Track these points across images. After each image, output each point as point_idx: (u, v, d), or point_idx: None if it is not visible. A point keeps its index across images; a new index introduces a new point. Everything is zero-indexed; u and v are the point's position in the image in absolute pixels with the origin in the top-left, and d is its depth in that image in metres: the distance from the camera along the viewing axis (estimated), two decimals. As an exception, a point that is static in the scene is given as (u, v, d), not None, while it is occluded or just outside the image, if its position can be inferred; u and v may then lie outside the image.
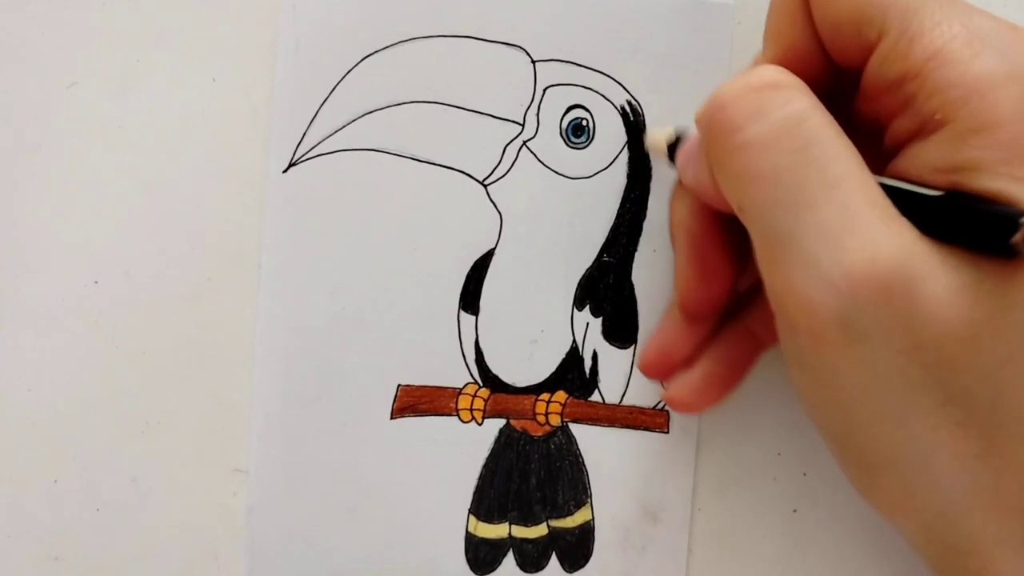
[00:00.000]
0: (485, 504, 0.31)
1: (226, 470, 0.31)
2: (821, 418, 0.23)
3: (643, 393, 0.31)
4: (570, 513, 0.32)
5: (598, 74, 0.31)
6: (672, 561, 0.32)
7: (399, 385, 0.31)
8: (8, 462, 0.31)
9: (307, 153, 0.31)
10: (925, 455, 0.21)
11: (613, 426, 0.31)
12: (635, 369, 0.31)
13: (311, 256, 0.31)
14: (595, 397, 0.31)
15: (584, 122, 0.31)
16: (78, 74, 0.31)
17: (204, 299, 0.31)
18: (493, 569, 0.32)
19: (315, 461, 0.31)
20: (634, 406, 0.31)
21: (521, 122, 0.31)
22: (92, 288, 0.31)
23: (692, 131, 0.26)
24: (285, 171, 0.31)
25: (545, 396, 0.31)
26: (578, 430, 0.32)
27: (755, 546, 0.32)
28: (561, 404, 0.31)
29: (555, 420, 0.31)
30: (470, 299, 0.31)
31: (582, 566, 0.32)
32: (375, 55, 0.30)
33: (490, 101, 0.31)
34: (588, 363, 0.31)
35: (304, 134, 0.31)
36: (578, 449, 0.32)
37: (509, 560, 0.32)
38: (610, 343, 0.31)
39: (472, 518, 0.31)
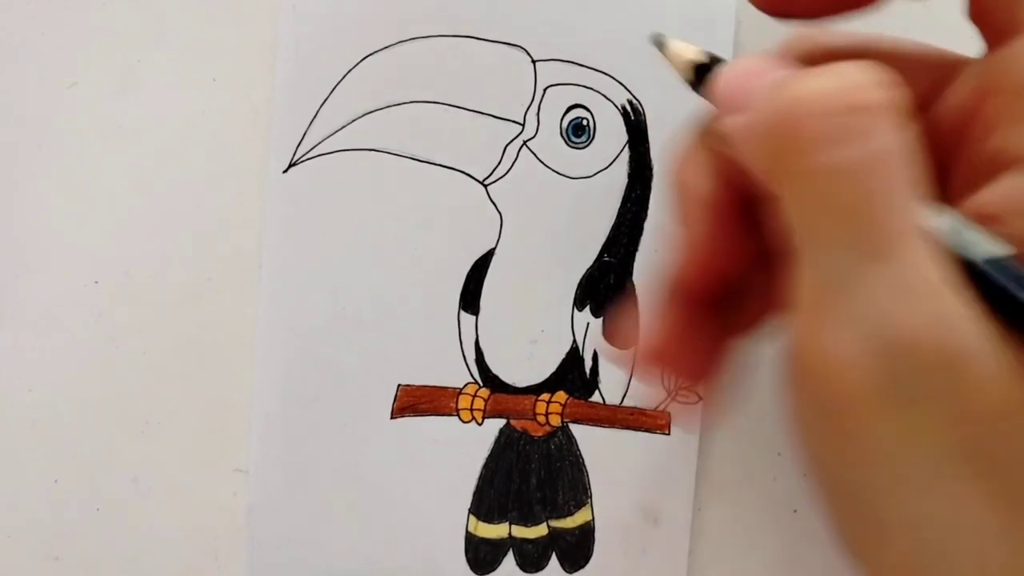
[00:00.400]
0: (485, 504, 0.31)
1: (226, 470, 0.31)
2: (829, 477, 0.22)
3: (643, 394, 0.31)
4: (570, 513, 0.32)
5: (598, 74, 0.31)
6: (672, 561, 0.32)
7: (399, 385, 0.31)
8: (8, 462, 0.31)
9: (307, 153, 0.31)
10: (945, 525, 0.20)
11: (613, 427, 0.31)
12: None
13: (311, 256, 0.31)
14: (595, 397, 0.31)
15: (584, 122, 0.31)
16: (78, 74, 0.31)
17: (204, 299, 0.31)
18: (493, 569, 0.31)
19: (315, 461, 0.31)
20: (634, 407, 0.31)
21: (521, 122, 0.31)
22: (92, 288, 0.31)
23: (727, 61, 0.24)
24: (285, 171, 0.31)
25: (545, 396, 0.31)
26: (578, 430, 0.31)
27: (755, 546, 0.32)
28: (561, 404, 0.31)
29: (555, 420, 0.31)
30: (470, 299, 0.31)
31: (582, 566, 0.32)
32: (375, 55, 0.30)
33: (490, 101, 0.31)
34: (588, 363, 0.31)
35: (304, 134, 0.31)
36: (578, 449, 0.31)
37: (509, 560, 0.32)
38: (611, 343, 0.31)
39: (472, 518, 0.31)
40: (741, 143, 0.21)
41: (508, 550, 0.32)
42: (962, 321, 0.19)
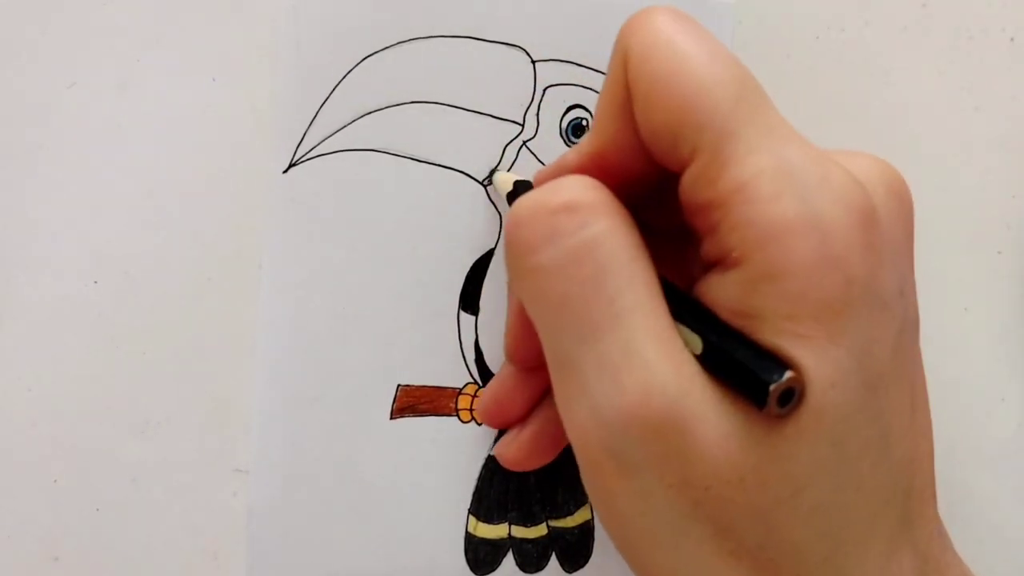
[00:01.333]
0: (485, 504, 0.31)
1: (226, 470, 0.31)
2: (610, 535, 0.23)
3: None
4: (570, 513, 0.32)
5: (598, 74, 0.31)
6: (672, 561, 0.32)
7: (399, 385, 0.31)
8: (8, 462, 0.31)
9: (307, 153, 0.31)
10: None
11: (613, 426, 0.31)
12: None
13: (311, 256, 0.31)
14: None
15: (584, 122, 0.31)
16: (78, 74, 0.31)
17: (204, 299, 0.31)
18: (493, 569, 0.32)
19: (315, 461, 0.31)
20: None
21: (521, 122, 0.31)
22: (92, 288, 0.31)
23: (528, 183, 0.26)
24: (285, 171, 0.31)
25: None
26: (578, 430, 0.31)
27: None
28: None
29: (555, 420, 0.31)
30: (470, 299, 0.31)
31: (582, 566, 0.32)
32: (375, 55, 0.30)
33: (490, 101, 0.31)
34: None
35: (304, 134, 0.31)
36: (578, 449, 0.31)
37: (509, 560, 0.32)
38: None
39: (472, 518, 0.31)
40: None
41: (508, 550, 0.32)
42: (678, 392, 0.20)
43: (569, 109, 0.31)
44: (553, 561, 0.32)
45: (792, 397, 0.19)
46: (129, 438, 0.31)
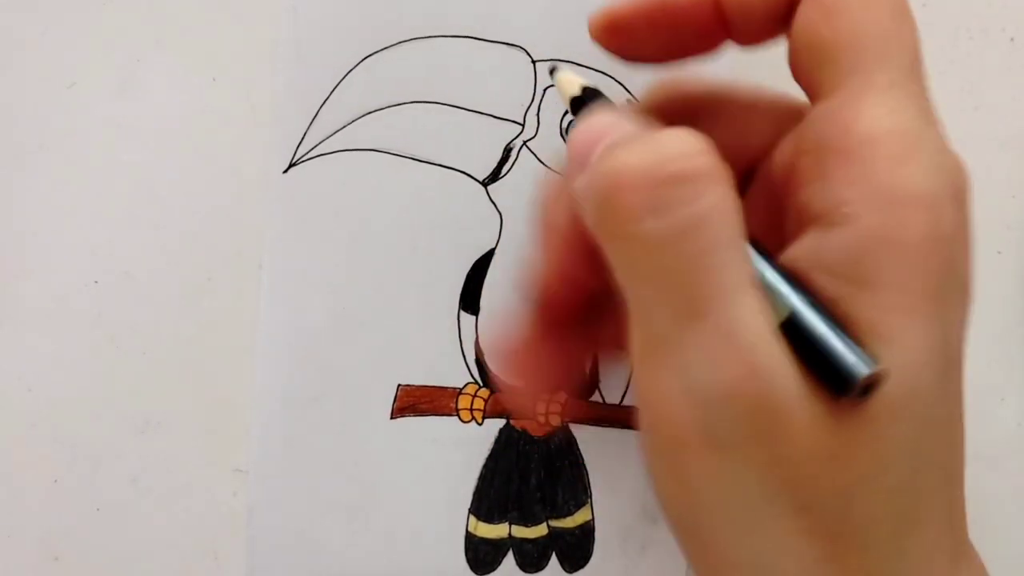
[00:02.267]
0: (485, 504, 0.31)
1: (226, 470, 0.31)
2: (673, 514, 0.23)
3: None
4: (570, 513, 0.32)
5: (598, 74, 0.31)
6: (672, 561, 0.32)
7: (399, 385, 0.31)
8: (8, 462, 0.31)
9: (308, 153, 0.31)
10: (771, 557, 0.21)
11: (613, 426, 0.31)
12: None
13: (311, 256, 0.31)
14: (595, 397, 0.31)
15: (584, 122, 0.31)
16: (78, 74, 0.31)
17: (204, 299, 0.31)
18: (493, 569, 0.31)
19: (315, 461, 0.31)
20: (635, 406, 0.31)
21: (521, 122, 0.31)
22: (92, 288, 0.31)
23: (601, 98, 0.25)
24: (286, 171, 0.31)
25: (545, 396, 0.31)
26: (578, 430, 0.31)
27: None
28: (561, 404, 0.31)
29: (555, 420, 0.31)
30: (470, 299, 0.31)
31: (582, 566, 0.32)
32: (375, 55, 0.30)
33: (490, 101, 0.31)
34: (588, 363, 0.31)
35: (304, 134, 0.31)
36: (578, 449, 0.31)
37: (509, 560, 0.32)
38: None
39: (472, 518, 0.31)
40: (579, 203, 0.22)
41: (508, 550, 0.32)
42: (775, 373, 0.20)
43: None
44: (553, 561, 0.32)
45: (872, 388, 0.19)
46: (129, 438, 0.31)
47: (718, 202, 0.20)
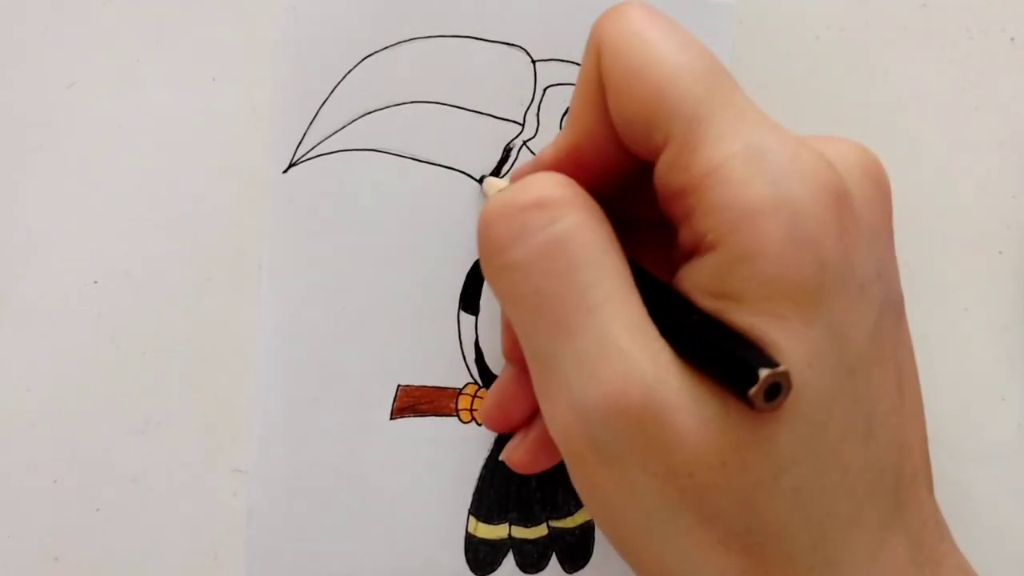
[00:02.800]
0: (485, 505, 0.31)
1: (226, 470, 0.31)
2: (600, 528, 0.23)
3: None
4: (570, 513, 0.32)
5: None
6: (672, 561, 0.32)
7: (399, 385, 0.31)
8: (8, 462, 0.31)
9: (307, 153, 0.31)
10: (693, 570, 0.21)
11: (613, 426, 0.31)
12: None
13: (311, 256, 0.31)
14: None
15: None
16: (78, 74, 0.31)
17: (204, 299, 0.31)
18: (493, 570, 0.31)
19: (315, 461, 0.31)
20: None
21: (521, 122, 0.31)
22: (92, 288, 0.31)
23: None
24: (285, 171, 0.31)
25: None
26: (578, 430, 0.31)
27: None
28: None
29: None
30: (470, 299, 0.31)
31: (582, 566, 0.32)
32: (375, 55, 0.30)
33: (490, 101, 0.31)
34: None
35: (304, 134, 0.31)
36: (578, 449, 0.31)
37: (509, 561, 0.32)
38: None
39: (472, 519, 0.31)
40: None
41: (508, 551, 0.32)
42: (654, 381, 0.20)
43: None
44: (553, 562, 0.32)
45: (779, 391, 0.19)
46: (129, 438, 0.31)
47: (576, 225, 0.21)
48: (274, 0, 0.31)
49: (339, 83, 0.30)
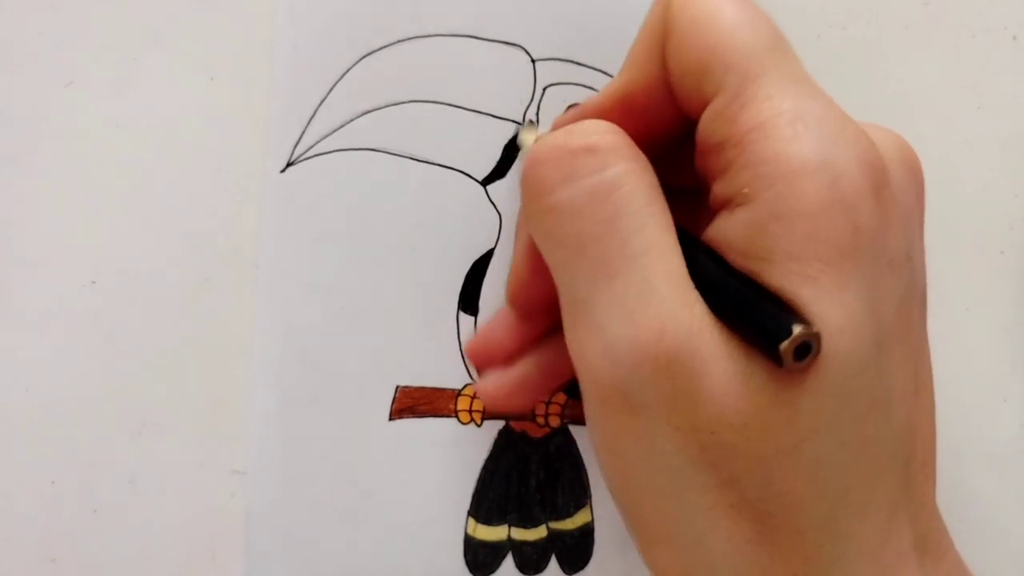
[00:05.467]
0: (484, 506, 0.31)
1: (224, 471, 0.31)
2: (608, 481, 0.23)
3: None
4: (570, 515, 0.32)
5: (598, 73, 0.31)
6: (672, 563, 0.31)
7: (398, 386, 0.31)
8: (5, 463, 0.31)
9: (305, 153, 0.31)
10: (700, 533, 0.21)
11: (613, 427, 0.31)
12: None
13: (309, 256, 0.31)
14: (595, 398, 0.31)
15: (584, 121, 0.31)
16: (75, 73, 0.31)
17: (202, 299, 0.31)
18: (492, 571, 0.31)
19: (313, 462, 0.31)
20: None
21: (521, 122, 0.31)
22: (89, 288, 0.31)
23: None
24: (283, 171, 0.31)
25: (545, 397, 0.31)
26: (578, 431, 0.31)
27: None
28: (561, 405, 0.31)
29: (555, 421, 0.31)
30: (469, 299, 0.31)
31: (582, 568, 0.32)
32: (374, 54, 0.30)
33: (490, 101, 0.31)
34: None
35: (302, 133, 0.30)
36: (578, 450, 0.31)
37: (508, 562, 0.31)
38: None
39: (471, 520, 0.31)
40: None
41: (507, 552, 0.31)
42: (689, 332, 0.20)
43: (569, 108, 0.31)
44: (553, 563, 0.32)
45: (809, 351, 0.19)
46: (127, 439, 0.31)
47: (625, 172, 0.21)
48: (272, -1, 0.30)
49: (337, 82, 0.30)
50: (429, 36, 0.30)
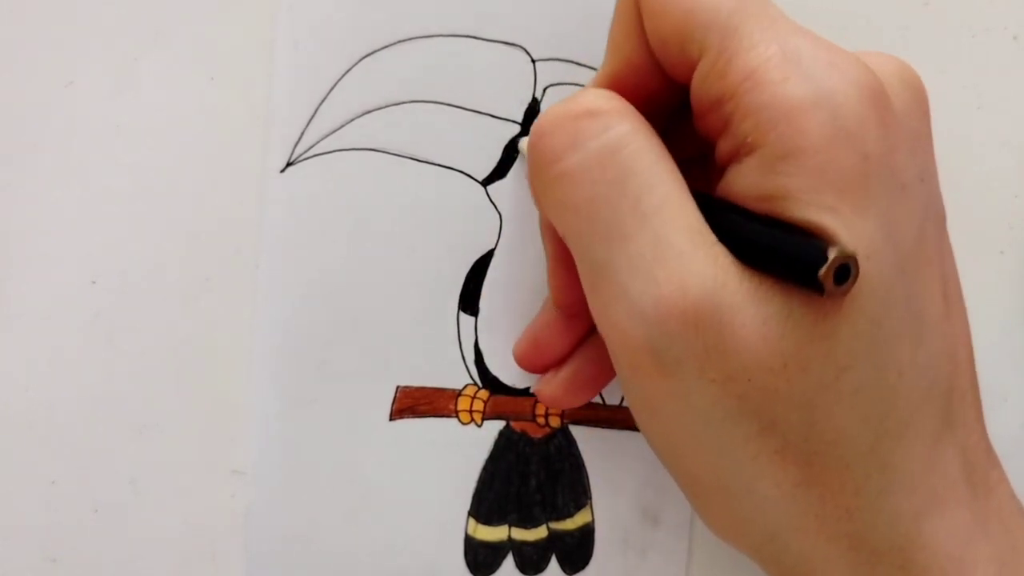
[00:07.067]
0: (484, 506, 0.31)
1: (224, 471, 0.31)
2: (651, 443, 0.23)
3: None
4: (570, 515, 0.32)
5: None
6: (672, 563, 0.31)
7: (398, 386, 0.31)
8: (5, 463, 0.31)
9: (305, 152, 0.31)
10: (748, 482, 0.21)
11: (613, 427, 0.31)
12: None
13: (309, 256, 0.31)
14: (595, 399, 0.31)
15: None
16: (75, 73, 0.31)
17: (202, 299, 0.31)
18: (492, 571, 0.31)
19: (314, 463, 0.31)
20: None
21: (521, 122, 0.31)
22: (89, 288, 0.31)
23: None
24: (283, 170, 0.31)
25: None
26: (578, 432, 0.31)
27: (756, 548, 0.32)
28: (561, 405, 0.31)
29: (555, 422, 0.31)
30: (470, 300, 0.31)
31: (582, 568, 0.32)
32: (374, 54, 0.30)
33: (490, 101, 0.31)
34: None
35: (302, 133, 0.30)
36: (578, 451, 0.31)
37: (508, 563, 0.31)
38: None
39: (471, 520, 0.31)
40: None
41: (508, 553, 0.31)
42: (712, 283, 0.20)
43: None
44: (553, 563, 0.32)
45: (847, 275, 0.19)
46: (127, 439, 0.31)
47: (629, 132, 0.21)
48: (272, -1, 0.30)
49: (337, 82, 0.30)
50: (429, 36, 0.30)
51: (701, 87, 0.21)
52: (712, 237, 0.20)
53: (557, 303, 0.27)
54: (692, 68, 0.22)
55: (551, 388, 0.28)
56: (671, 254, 0.20)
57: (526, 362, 0.29)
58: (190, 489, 0.31)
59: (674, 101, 0.24)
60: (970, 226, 0.34)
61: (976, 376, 0.23)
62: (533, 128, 0.22)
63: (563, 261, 0.26)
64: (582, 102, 0.22)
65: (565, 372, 0.28)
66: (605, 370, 0.28)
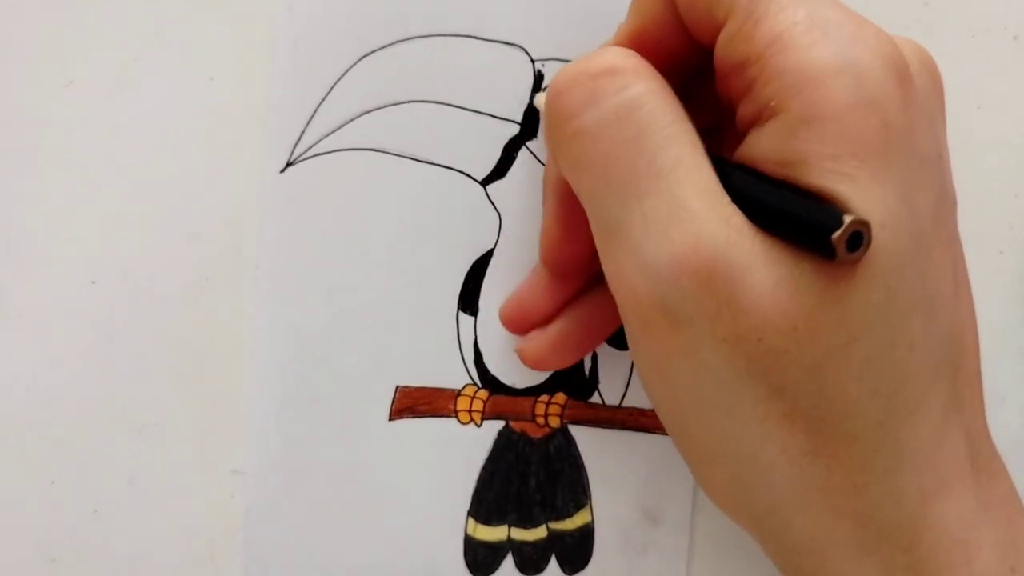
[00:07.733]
0: (484, 506, 0.31)
1: (224, 472, 0.31)
2: (657, 405, 0.23)
3: (643, 395, 0.31)
4: (569, 515, 0.32)
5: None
6: (672, 563, 0.31)
7: (397, 386, 0.31)
8: (5, 463, 0.31)
9: (305, 152, 0.31)
10: (754, 447, 0.21)
11: (613, 428, 0.31)
12: (635, 371, 0.31)
13: (309, 256, 0.31)
14: (595, 399, 0.31)
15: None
16: (75, 73, 0.31)
17: (201, 299, 0.31)
18: (492, 571, 0.31)
19: (313, 463, 0.31)
20: (634, 407, 0.31)
21: (521, 122, 0.31)
22: (89, 288, 0.31)
23: None
24: (283, 170, 0.31)
25: (544, 398, 0.31)
26: (578, 432, 0.31)
27: (756, 548, 0.31)
28: (561, 406, 0.31)
29: (555, 422, 0.31)
30: (469, 299, 0.31)
31: (581, 568, 0.32)
32: (374, 54, 0.30)
33: (490, 101, 0.31)
34: (588, 364, 0.31)
35: (302, 133, 0.30)
36: (578, 451, 0.31)
37: (508, 563, 0.31)
38: (609, 344, 0.31)
39: (471, 520, 0.31)
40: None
41: (507, 553, 0.31)
42: (726, 242, 0.20)
43: None
44: (553, 563, 0.32)
45: (860, 243, 0.19)
46: (127, 439, 0.31)
47: (646, 91, 0.21)
48: (272, -1, 0.30)
49: (337, 82, 0.30)
50: (429, 36, 0.30)
51: (726, 49, 0.21)
52: (726, 198, 0.21)
53: (547, 261, 0.27)
54: (717, 30, 0.22)
55: (534, 346, 0.28)
56: (685, 214, 0.20)
57: (512, 323, 0.29)
58: (190, 489, 0.31)
59: (693, 63, 0.24)
60: (970, 226, 0.34)
61: (980, 363, 0.23)
62: (551, 85, 0.22)
63: (561, 220, 0.26)
64: (601, 60, 0.22)
65: (550, 331, 0.28)
66: (591, 334, 0.28)
